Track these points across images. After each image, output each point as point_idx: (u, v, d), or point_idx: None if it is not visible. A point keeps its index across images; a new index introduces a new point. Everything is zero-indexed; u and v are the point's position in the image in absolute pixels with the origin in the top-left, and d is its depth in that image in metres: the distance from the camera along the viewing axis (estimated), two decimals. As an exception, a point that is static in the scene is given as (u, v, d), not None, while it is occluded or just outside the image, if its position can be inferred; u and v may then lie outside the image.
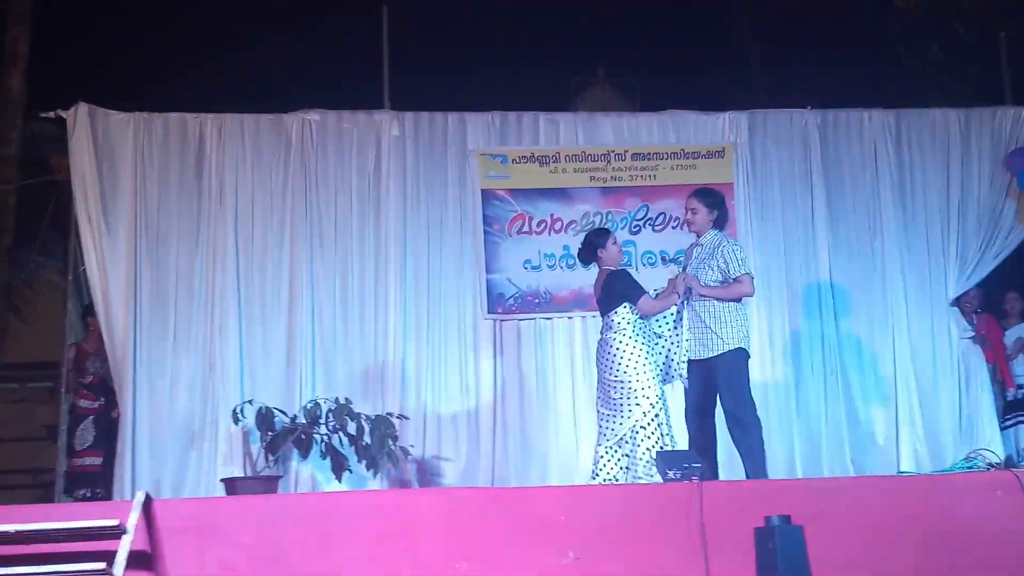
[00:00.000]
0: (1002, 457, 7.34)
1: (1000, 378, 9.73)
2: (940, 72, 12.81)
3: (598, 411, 7.51)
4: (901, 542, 5.95)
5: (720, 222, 7.59)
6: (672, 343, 7.49)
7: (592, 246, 7.61)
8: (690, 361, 7.41)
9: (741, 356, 7.37)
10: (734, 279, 7.33)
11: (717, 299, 7.34)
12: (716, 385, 7.35)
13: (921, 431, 9.33)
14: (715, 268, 7.38)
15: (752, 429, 7.29)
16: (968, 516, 6.03)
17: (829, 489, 6.31)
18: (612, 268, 7.59)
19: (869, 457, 9.23)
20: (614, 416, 7.34)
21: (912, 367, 9.42)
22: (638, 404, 7.25)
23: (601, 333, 7.55)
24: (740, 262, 7.38)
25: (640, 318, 7.41)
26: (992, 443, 8.98)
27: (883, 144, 9.69)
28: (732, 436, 7.37)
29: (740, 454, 7.33)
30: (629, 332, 7.37)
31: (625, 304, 7.41)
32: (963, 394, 9.46)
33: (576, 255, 7.90)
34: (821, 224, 9.51)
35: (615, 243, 7.62)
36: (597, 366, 7.54)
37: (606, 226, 9.15)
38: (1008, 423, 9.71)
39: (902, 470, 8.96)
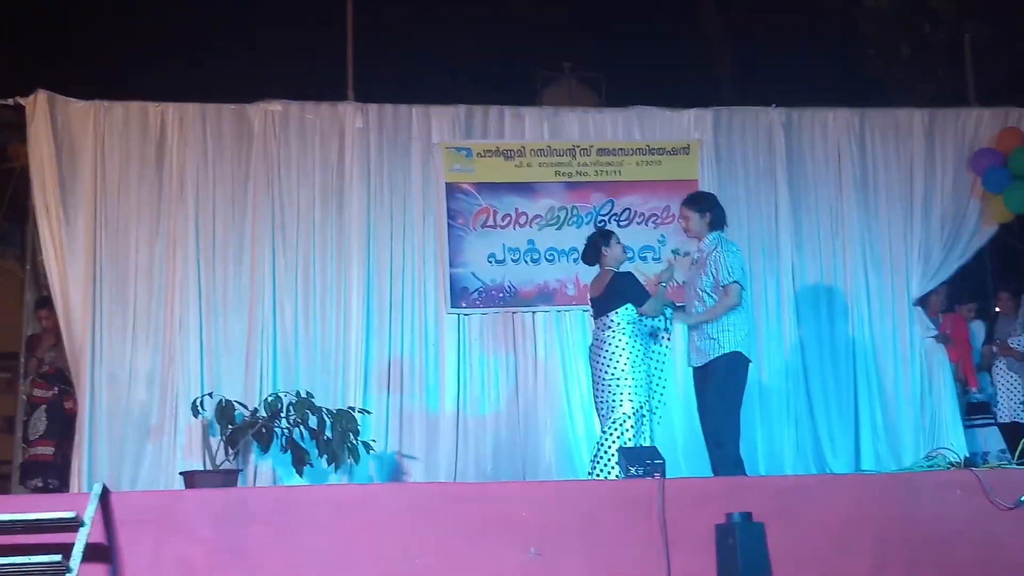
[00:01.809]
0: (962, 456, 7.39)
1: (963, 376, 9.80)
2: (907, 73, 12.88)
3: (597, 408, 7.65)
4: (862, 540, 5.99)
5: (717, 223, 7.63)
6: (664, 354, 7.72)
7: (596, 246, 7.79)
8: (693, 368, 7.54)
9: (738, 360, 7.38)
10: (723, 287, 7.38)
11: (707, 321, 7.39)
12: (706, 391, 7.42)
13: (882, 429, 9.39)
14: (708, 274, 7.46)
15: (727, 447, 7.31)
16: (928, 515, 6.08)
17: (791, 487, 6.33)
18: (614, 268, 7.72)
19: (830, 455, 9.27)
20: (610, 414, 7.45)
21: (874, 365, 9.48)
22: (622, 404, 7.36)
23: (597, 332, 7.63)
24: (728, 270, 7.41)
25: (639, 319, 7.55)
26: (953, 442, 9.04)
27: (847, 143, 9.73)
28: (708, 450, 7.46)
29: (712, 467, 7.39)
30: (628, 332, 7.50)
31: (627, 305, 7.50)
32: (925, 393, 9.51)
33: (581, 255, 7.99)
34: (784, 221, 9.55)
35: (618, 243, 7.81)
36: (591, 365, 7.64)
37: (572, 222, 9.29)
38: (976, 423, 9.78)
39: (863, 468, 9.01)
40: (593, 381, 7.63)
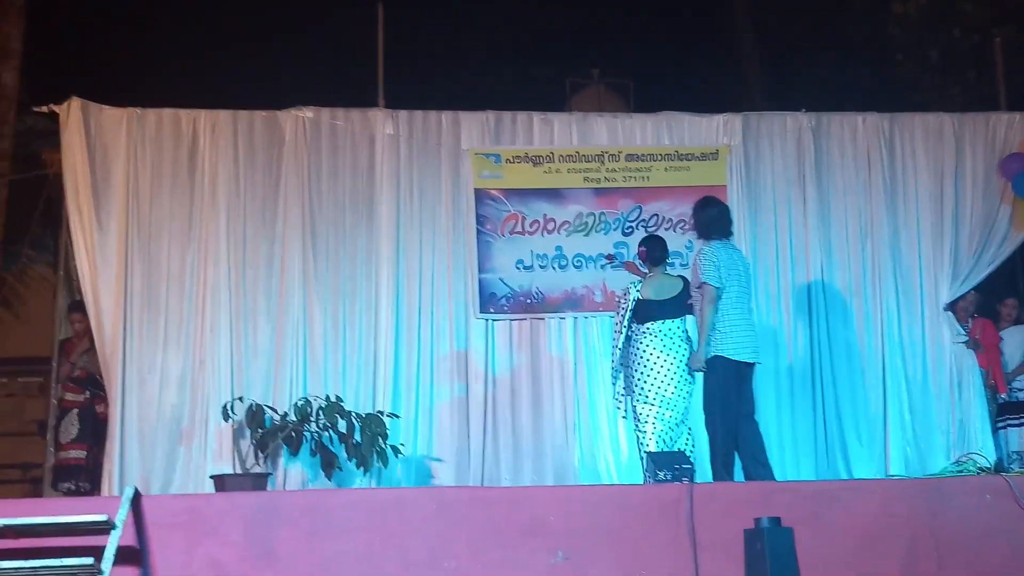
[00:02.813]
0: (992, 462, 7.35)
1: (992, 382, 9.74)
2: (937, 76, 12.83)
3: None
4: (890, 545, 5.97)
5: (706, 230, 7.78)
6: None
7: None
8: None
9: (716, 363, 7.50)
10: (696, 286, 7.64)
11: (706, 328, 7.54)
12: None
13: (911, 435, 9.34)
14: (695, 275, 7.67)
15: (713, 442, 7.51)
16: (957, 520, 6.05)
17: (819, 492, 6.31)
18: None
19: (859, 460, 9.24)
20: None
21: (903, 371, 9.44)
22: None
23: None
24: (703, 271, 7.58)
25: None
26: (983, 448, 9.00)
27: (876, 148, 9.70)
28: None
29: None
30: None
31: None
32: (955, 398, 9.46)
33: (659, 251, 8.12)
34: (813, 227, 9.52)
35: None
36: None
37: (600, 228, 9.34)
38: (999, 425, 9.73)
39: (891, 473, 8.97)
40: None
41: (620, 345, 7.82)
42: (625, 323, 7.81)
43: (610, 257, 8.22)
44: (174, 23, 12.32)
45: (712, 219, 7.77)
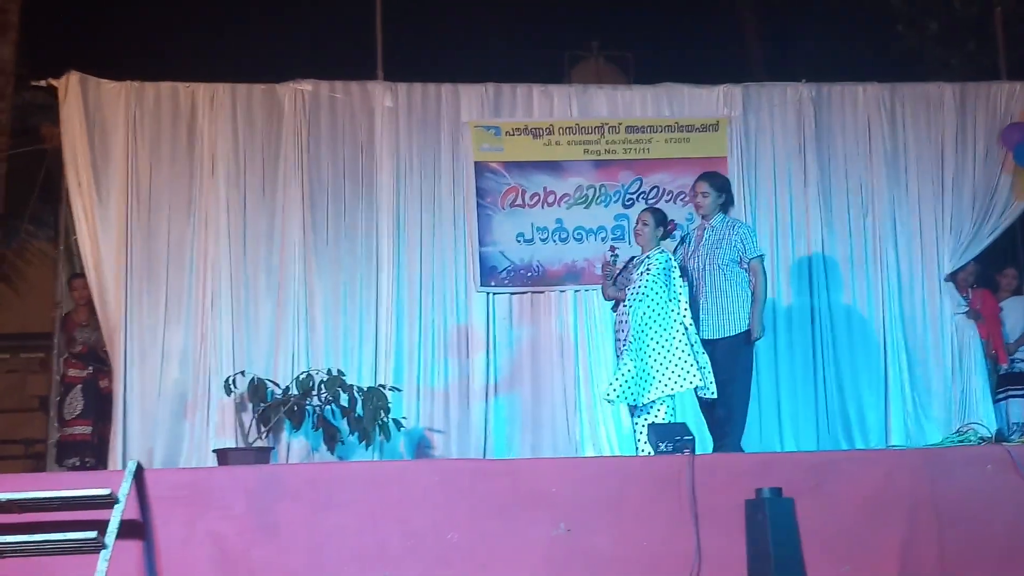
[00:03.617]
0: (993, 432, 7.36)
1: (993, 352, 9.76)
2: (938, 47, 12.78)
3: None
4: (891, 515, 5.98)
5: (726, 206, 7.83)
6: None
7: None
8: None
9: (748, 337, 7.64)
10: (749, 260, 7.66)
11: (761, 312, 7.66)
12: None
13: (911, 405, 9.35)
14: (732, 248, 7.66)
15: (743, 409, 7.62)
16: (959, 490, 6.07)
17: (820, 463, 6.32)
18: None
19: (859, 431, 9.26)
20: None
21: (903, 341, 9.44)
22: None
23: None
24: (755, 244, 7.74)
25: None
26: (984, 418, 9.02)
27: (877, 118, 9.67)
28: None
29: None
30: None
31: None
32: (955, 369, 9.47)
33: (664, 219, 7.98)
34: (814, 198, 9.51)
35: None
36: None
37: (600, 200, 9.34)
38: (1000, 396, 9.75)
39: (892, 444, 8.99)
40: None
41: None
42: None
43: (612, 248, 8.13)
44: (170, -4, 12.28)
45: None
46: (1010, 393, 9.83)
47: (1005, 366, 9.82)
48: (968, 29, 12.21)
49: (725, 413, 7.55)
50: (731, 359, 7.56)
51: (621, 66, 13.16)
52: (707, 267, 7.71)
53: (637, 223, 7.88)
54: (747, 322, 7.59)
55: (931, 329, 9.51)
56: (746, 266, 7.71)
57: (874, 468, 6.18)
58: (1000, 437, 6.83)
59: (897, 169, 9.63)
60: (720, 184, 7.83)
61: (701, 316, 7.63)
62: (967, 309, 9.55)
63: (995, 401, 9.62)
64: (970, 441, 6.75)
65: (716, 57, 12.77)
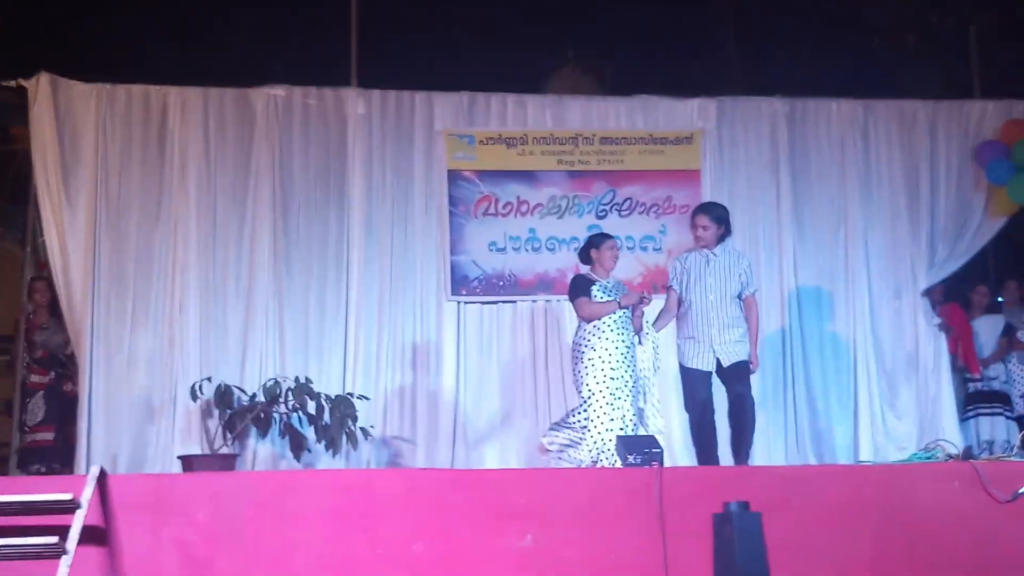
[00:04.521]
0: (960, 448, 7.37)
1: (962, 365, 9.80)
2: (913, 63, 12.84)
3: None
4: (859, 531, 5.97)
5: (725, 236, 7.77)
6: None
7: (588, 246, 7.80)
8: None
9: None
10: (749, 293, 7.71)
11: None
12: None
13: (881, 421, 9.38)
14: (739, 279, 7.66)
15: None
16: (926, 507, 6.06)
17: (789, 477, 6.31)
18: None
19: (829, 446, 9.27)
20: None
21: (874, 357, 9.47)
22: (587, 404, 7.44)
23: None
24: (753, 279, 7.81)
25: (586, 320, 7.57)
26: (951, 434, 9.05)
27: (850, 134, 9.71)
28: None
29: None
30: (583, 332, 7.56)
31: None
32: (925, 384, 9.49)
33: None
34: (786, 212, 9.54)
35: (610, 248, 7.73)
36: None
37: (573, 210, 9.26)
38: (969, 414, 9.79)
39: (861, 459, 9.00)
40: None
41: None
42: None
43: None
44: (144, -1, 12.18)
45: None
46: (979, 411, 9.88)
47: (979, 382, 9.88)
48: (944, 45, 12.27)
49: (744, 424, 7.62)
50: (744, 377, 7.62)
51: (597, 76, 13.13)
52: (718, 297, 7.63)
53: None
54: (748, 352, 7.61)
55: (901, 345, 9.54)
56: (741, 299, 7.69)
57: (842, 483, 6.18)
58: (968, 454, 6.84)
59: (870, 185, 9.67)
60: (719, 215, 7.74)
61: (714, 346, 7.57)
62: (939, 322, 9.58)
63: (963, 418, 9.67)
64: (937, 457, 6.75)
65: (692, 69, 12.75)
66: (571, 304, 7.74)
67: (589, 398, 7.39)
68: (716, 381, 7.69)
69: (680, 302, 7.75)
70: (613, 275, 7.77)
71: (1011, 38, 11.97)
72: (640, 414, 7.53)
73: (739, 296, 7.66)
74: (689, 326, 7.65)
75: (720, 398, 7.71)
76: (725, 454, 7.69)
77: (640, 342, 7.61)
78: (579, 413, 7.44)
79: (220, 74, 9.35)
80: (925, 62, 12.70)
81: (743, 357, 7.58)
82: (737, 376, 7.59)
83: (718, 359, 7.55)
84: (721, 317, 7.57)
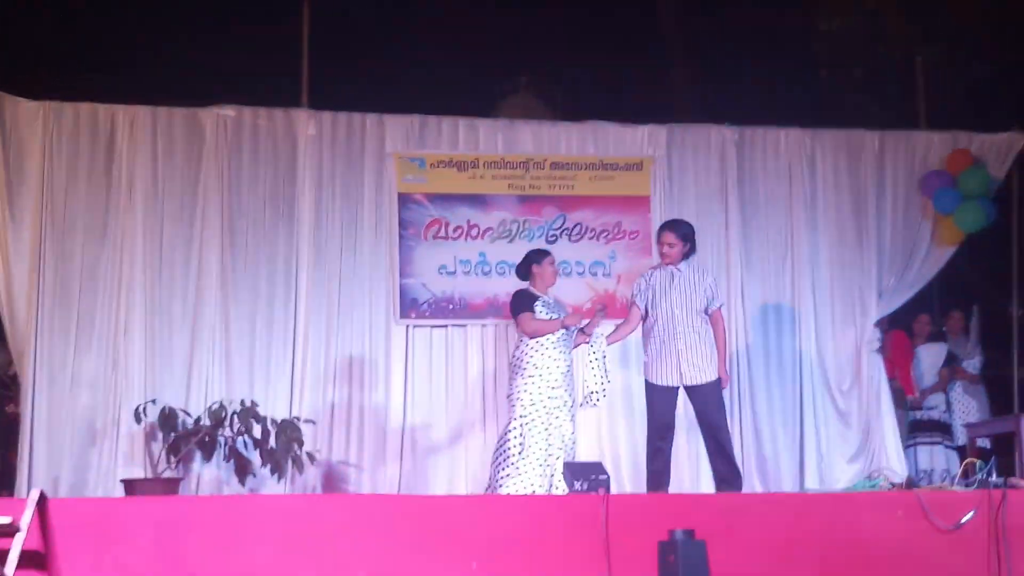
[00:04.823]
0: (903, 477, 7.43)
1: (899, 387, 9.89)
2: (860, 94, 13.00)
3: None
4: (804, 559, 6.00)
5: (690, 253, 7.79)
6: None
7: (528, 261, 7.83)
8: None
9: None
10: (715, 308, 7.72)
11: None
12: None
13: (826, 448, 9.44)
14: (704, 294, 7.67)
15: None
16: (870, 535, 6.10)
17: (734, 505, 6.34)
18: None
19: (774, 474, 9.32)
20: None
21: (822, 383, 9.54)
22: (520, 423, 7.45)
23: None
24: (719, 294, 7.88)
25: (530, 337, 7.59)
26: (894, 462, 9.13)
27: (798, 163, 9.79)
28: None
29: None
30: (524, 348, 7.59)
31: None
32: (868, 412, 9.56)
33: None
34: (735, 239, 9.60)
35: (551, 264, 7.80)
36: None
37: (524, 235, 9.28)
38: (909, 443, 9.89)
39: (807, 487, 9.04)
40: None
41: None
42: None
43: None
44: (93, 15, 12.08)
45: None
46: (918, 440, 9.99)
47: (920, 411, 9.99)
48: (891, 76, 12.43)
49: (727, 460, 7.60)
50: (715, 402, 7.61)
51: (549, 102, 13.20)
52: (684, 312, 7.63)
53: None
54: (716, 369, 7.61)
55: (847, 373, 9.61)
56: (708, 313, 7.71)
57: (787, 512, 6.21)
58: (911, 483, 6.90)
59: (817, 213, 9.75)
60: (685, 233, 7.76)
61: (680, 362, 7.57)
62: (878, 347, 9.65)
63: (906, 446, 9.75)
64: (881, 486, 6.80)
65: (643, 97, 12.86)
66: (513, 319, 7.75)
67: (523, 416, 7.39)
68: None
69: (644, 318, 7.79)
70: (552, 292, 7.81)
71: (957, 70, 12.15)
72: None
73: (705, 311, 7.67)
74: (656, 342, 7.66)
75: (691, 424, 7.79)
76: (674, 483, 7.74)
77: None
78: (511, 432, 7.43)
79: (169, 93, 9.29)
80: (872, 93, 12.86)
81: (710, 377, 7.57)
82: (710, 400, 7.59)
83: (683, 376, 7.57)
84: (687, 332, 7.58)
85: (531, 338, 7.57)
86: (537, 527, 5.95)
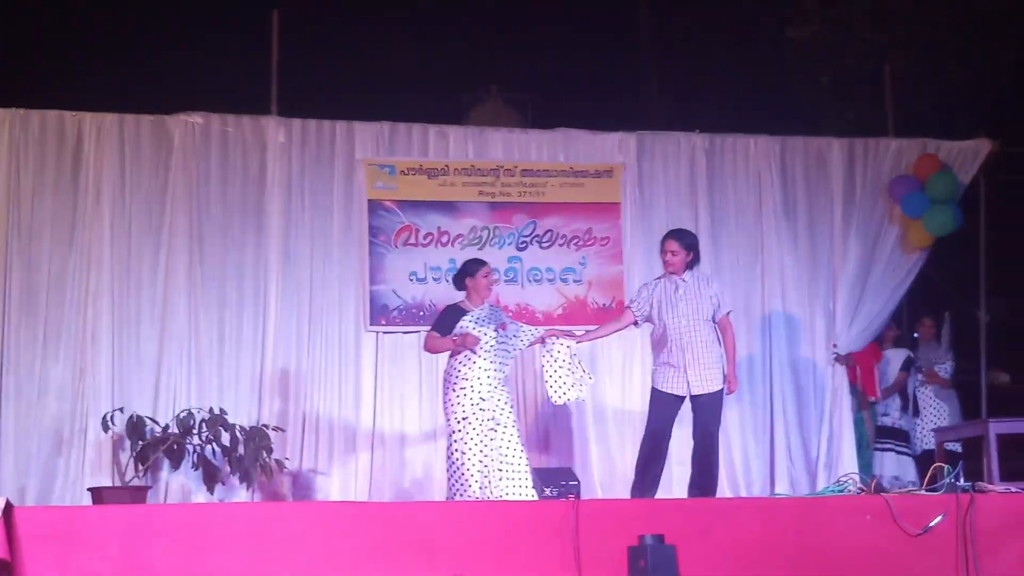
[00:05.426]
0: (868, 481, 7.45)
1: (861, 389, 9.93)
2: (829, 102, 13.06)
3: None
4: (774, 564, 6.00)
5: (694, 263, 7.78)
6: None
7: (462, 273, 7.77)
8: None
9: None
10: (723, 315, 7.72)
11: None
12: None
13: (796, 453, 9.48)
14: (708, 304, 7.66)
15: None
16: (839, 540, 6.11)
17: (704, 510, 6.34)
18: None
19: (744, 478, 9.34)
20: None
21: (791, 389, 9.58)
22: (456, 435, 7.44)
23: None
24: (726, 300, 7.82)
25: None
26: (853, 465, 9.17)
27: (767, 170, 9.83)
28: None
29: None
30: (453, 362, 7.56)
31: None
32: (832, 416, 9.59)
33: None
34: (705, 246, 9.51)
35: (486, 276, 7.72)
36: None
37: (494, 242, 9.23)
38: (886, 447, 9.92)
39: (776, 492, 9.06)
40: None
41: None
42: None
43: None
44: (61, 22, 12.03)
45: None
46: (885, 446, 10.03)
47: (887, 416, 10.04)
48: (859, 84, 12.50)
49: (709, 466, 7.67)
50: (715, 412, 7.65)
51: (519, 109, 13.22)
52: (690, 322, 7.62)
53: None
54: (723, 378, 7.62)
55: (815, 380, 9.65)
56: (715, 321, 7.71)
57: (757, 516, 6.20)
58: (879, 488, 6.92)
59: (787, 220, 9.79)
60: (689, 242, 7.76)
61: (688, 373, 7.56)
62: (834, 355, 9.68)
63: (875, 449, 9.80)
64: (849, 491, 6.81)
65: (613, 104, 12.90)
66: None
67: (457, 432, 7.39)
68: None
69: (635, 324, 7.88)
70: (488, 301, 7.80)
71: (925, 78, 12.23)
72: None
73: (712, 319, 7.67)
74: (665, 352, 7.66)
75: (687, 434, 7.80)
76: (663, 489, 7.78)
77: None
78: (450, 446, 7.44)
79: (137, 101, 9.24)
80: (841, 101, 12.93)
81: (716, 387, 7.58)
82: (711, 410, 7.62)
83: (691, 386, 7.58)
84: (694, 342, 7.57)
85: (432, 353, 7.69)
86: (507, 533, 5.93)
